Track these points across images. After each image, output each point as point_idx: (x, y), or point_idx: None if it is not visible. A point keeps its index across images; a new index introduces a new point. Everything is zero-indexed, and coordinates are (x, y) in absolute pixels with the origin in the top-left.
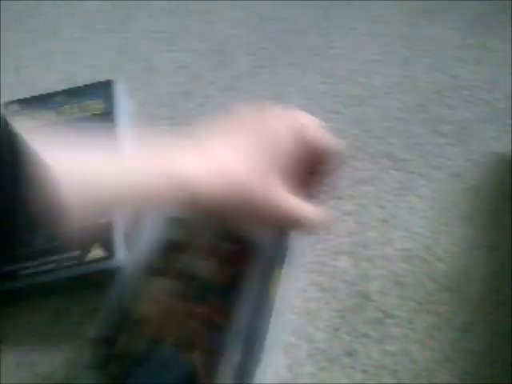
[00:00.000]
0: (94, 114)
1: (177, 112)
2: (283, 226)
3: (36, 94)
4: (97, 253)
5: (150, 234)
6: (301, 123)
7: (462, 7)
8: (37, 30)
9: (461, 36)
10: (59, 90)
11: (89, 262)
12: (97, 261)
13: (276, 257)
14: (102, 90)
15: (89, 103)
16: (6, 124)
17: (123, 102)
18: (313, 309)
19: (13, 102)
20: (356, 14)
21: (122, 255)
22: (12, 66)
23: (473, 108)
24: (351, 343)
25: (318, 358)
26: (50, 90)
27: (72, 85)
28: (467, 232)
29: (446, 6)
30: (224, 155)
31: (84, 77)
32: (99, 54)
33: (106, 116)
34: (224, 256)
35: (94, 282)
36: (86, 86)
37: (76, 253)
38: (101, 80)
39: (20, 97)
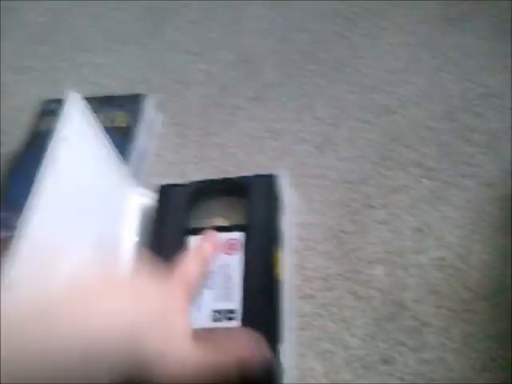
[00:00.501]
0: (116, 127)
1: (207, 122)
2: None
3: None
4: None
5: None
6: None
7: (488, 15)
8: (64, 43)
9: (488, 44)
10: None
11: None
12: None
13: (272, 238)
14: (130, 102)
15: (115, 114)
16: None
17: (150, 116)
18: (349, 316)
19: (50, 101)
20: (381, 24)
21: None
22: (43, 78)
23: (502, 116)
24: (388, 351)
25: (355, 365)
26: None
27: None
28: (501, 241)
29: (471, 14)
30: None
31: (112, 89)
32: (127, 66)
33: (127, 131)
34: None
35: None
36: (115, 96)
37: None
38: (130, 92)
39: None
